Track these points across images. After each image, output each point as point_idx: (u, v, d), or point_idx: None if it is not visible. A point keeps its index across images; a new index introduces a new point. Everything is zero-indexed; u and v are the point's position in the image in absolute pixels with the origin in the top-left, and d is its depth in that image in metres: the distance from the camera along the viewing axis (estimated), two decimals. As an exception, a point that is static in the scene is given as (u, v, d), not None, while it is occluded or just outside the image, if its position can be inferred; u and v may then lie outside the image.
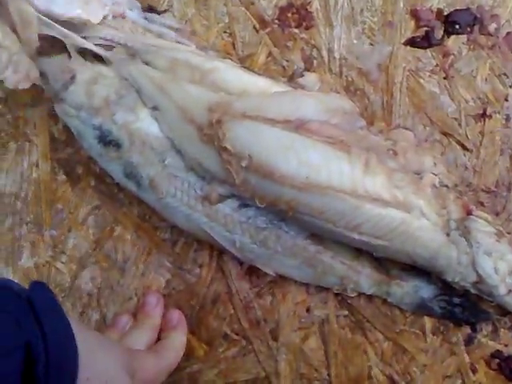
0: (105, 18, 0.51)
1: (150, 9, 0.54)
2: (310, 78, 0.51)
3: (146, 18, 0.53)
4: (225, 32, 0.53)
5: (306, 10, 0.53)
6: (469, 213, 0.48)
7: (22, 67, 0.51)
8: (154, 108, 0.48)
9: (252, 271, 0.51)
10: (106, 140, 0.49)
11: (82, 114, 0.50)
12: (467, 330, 0.50)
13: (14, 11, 0.50)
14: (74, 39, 0.50)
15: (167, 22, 0.53)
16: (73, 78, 0.50)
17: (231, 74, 0.49)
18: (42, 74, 0.52)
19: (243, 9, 0.54)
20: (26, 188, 0.53)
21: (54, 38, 0.51)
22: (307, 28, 0.53)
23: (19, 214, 0.52)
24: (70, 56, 0.51)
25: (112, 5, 0.51)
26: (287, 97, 0.47)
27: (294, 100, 0.46)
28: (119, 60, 0.50)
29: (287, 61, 0.52)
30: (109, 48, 0.51)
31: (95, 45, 0.51)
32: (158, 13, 0.55)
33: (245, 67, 0.51)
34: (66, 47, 0.52)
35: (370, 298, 0.50)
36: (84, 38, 0.50)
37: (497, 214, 0.50)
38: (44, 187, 0.53)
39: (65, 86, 0.50)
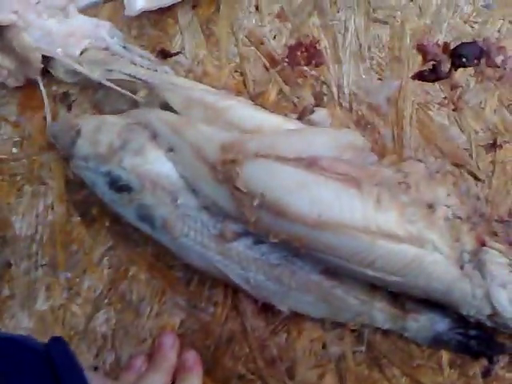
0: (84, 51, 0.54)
1: (163, 52, 0.56)
2: (321, 114, 0.52)
3: (124, 47, 0.54)
4: (236, 71, 0.54)
5: (315, 48, 0.54)
6: (482, 244, 0.47)
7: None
8: (169, 149, 0.49)
9: (267, 308, 0.50)
10: (117, 185, 0.50)
11: (91, 164, 0.51)
12: (484, 362, 0.49)
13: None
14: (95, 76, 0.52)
15: (143, 53, 0.55)
16: (78, 132, 0.52)
17: (244, 112, 0.50)
18: (53, 137, 0.54)
19: (253, 48, 0.55)
20: (41, 231, 0.54)
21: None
22: (317, 65, 0.54)
23: (34, 256, 0.53)
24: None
25: (94, 39, 0.54)
26: (299, 134, 0.48)
27: (305, 137, 0.47)
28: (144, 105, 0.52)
29: (298, 98, 0.53)
30: (123, 82, 0.53)
31: (116, 80, 0.53)
32: (171, 55, 0.56)
33: (257, 105, 0.52)
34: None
35: (386, 333, 0.50)
36: (109, 71, 0.53)
37: (510, 244, 0.49)
38: (59, 229, 0.54)
39: (73, 142, 0.51)
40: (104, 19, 0.56)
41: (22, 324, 0.53)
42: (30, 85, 0.57)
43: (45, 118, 0.56)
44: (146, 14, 0.57)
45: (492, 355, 0.49)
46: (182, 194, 0.49)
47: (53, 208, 0.55)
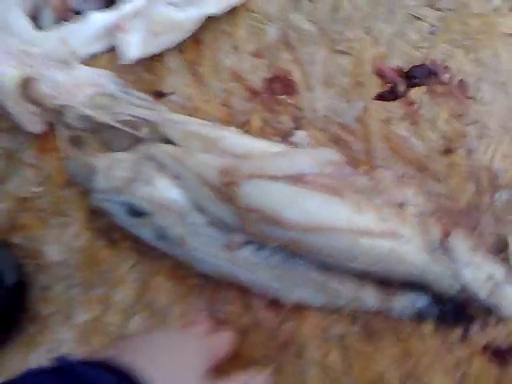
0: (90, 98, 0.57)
1: (157, 93, 0.59)
2: (300, 135, 0.57)
3: (124, 92, 0.58)
4: (223, 105, 0.58)
5: (289, 79, 0.58)
6: (447, 233, 0.53)
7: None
8: (175, 177, 0.53)
9: (274, 303, 0.55)
10: (134, 212, 0.54)
11: (109, 196, 0.55)
12: (460, 330, 0.54)
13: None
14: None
15: (141, 95, 0.58)
16: (94, 169, 0.56)
17: (235, 140, 0.55)
18: (72, 175, 0.58)
19: (236, 84, 0.59)
20: (71, 256, 0.58)
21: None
22: (292, 94, 0.58)
23: (68, 278, 0.57)
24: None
25: (97, 87, 0.57)
26: (284, 156, 0.53)
27: (290, 158, 0.52)
28: (148, 140, 0.56)
29: (279, 123, 0.58)
30: (127, 122, 0.57)
31: (120, 121, 0.57)
32: (165, 95, 0.59)
33: (244, 132, 0.56)
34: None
35: (377, 313, 0.54)
36: (114, 113, 0.57)
37: (472, 231, 0.54)
38: (87, 253, 0.58)
39: (90, 179, 0.55)
40: (102, 68, 0.59)
41: (64, 336, 0.57)
42: (45, 130, 0.60)
43: (61, 159, 0.59)
44: (139, 61, 0.60)
45: (466, 323, 0.54)
46: (190, 214, 0.53)
47: (79, 235, 0.58)
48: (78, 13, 0.61)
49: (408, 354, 0.54)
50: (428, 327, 0.55)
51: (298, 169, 0.51)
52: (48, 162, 0.60)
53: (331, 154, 0.54)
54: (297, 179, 0.50)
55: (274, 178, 0.50)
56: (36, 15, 0.61)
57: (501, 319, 0.53)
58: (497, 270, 0.52)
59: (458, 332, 0.55)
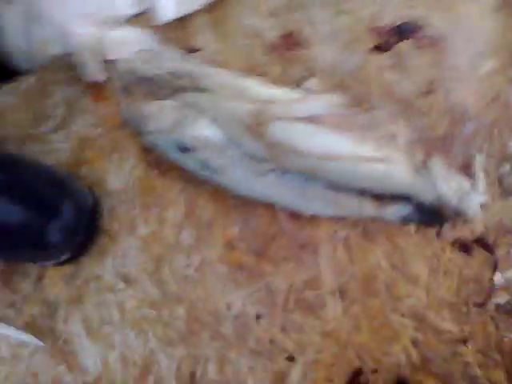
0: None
1: (191, 49, 0.65)
2: (312, 82, 0.63)
3: (163, 48, 0.64)
4: (246, 58, 0.65)
5: (301, 35, 0.64)
6: (428, 156, 0.59)
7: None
8: (214, 119, 0.59)
9: (296, 214, 0.62)
10: (182, 148, 0.60)
11: (161, 136, 0.61)
12: (436, 228, 0.61)
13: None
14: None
15: (177, 51, 0.63)
16: (146, 116, 0.62)
17: (259, 88, 0.61)
18: (127, 120, 0.64)
19: (257, 40, 0.65)
20: (130, 182, 0.65)
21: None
22: (304, 47, 0.64)
23: (129, 201, 0.65)
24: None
25: (141, 44, 0.64)
26: (302, 101, 0.59)
27: (306, 102, 0.59)
28: (187, 89, 0.62)
29: (294, 72, 0.64)
30: (170, 74, 0.62)
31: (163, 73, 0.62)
32: (196, 51, 0.65)
33: (266, 81, 0.61)
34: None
35: (374, 219, 0.61)
36: (157, 66, 0.62)
37: (446, 154, 0.61)
38: (143, 181, 0.65)
39: (144, 122, 0.61)
40: (143, 27, 0.65)
41: (129, 245, 0.64)
42: (95, 82, 0.66)
43: (114, 105, 0.66)
44: (173, 22, 0.65)
45: (441, 223, 0.61)
46: (228, 149, 0.59)
47: (135, 167, 0.65)
48: None
49: (396, 248, 0.61)
50: (411, 227, 0.62)
51: (314, 111, 0.58)
52: (103, 108, 0.66)
53: (338, 98, 0.60)
54: (312, 119, 0.58)
55: (295, 118, 0.57)
56: None
57: (466, 220, 0.61)
58: (464, 183, 0.59)
59: (434, 230, 0.62)
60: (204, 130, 0.60)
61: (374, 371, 0.61)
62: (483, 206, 0.60)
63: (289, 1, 0.66)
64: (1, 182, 0.58)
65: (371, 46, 0.64)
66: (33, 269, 0.66)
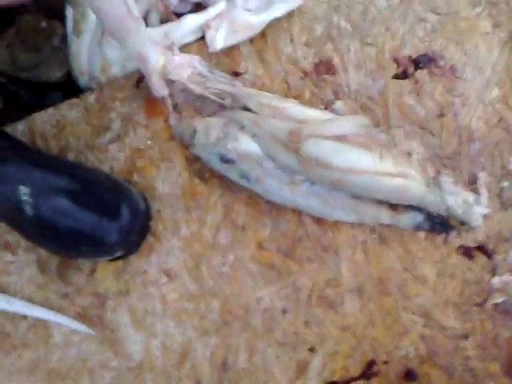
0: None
1: (234, 73, 0.69)
2: (339, 105, 0.67)
3: (210, 71, 0.66)
4: (283, 82, 0.69)
5: (331, 63, 0.68)
6: (438, 172, 0.63)
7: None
8: (254, 135, 0.64)
9: (320, 220, 0.66)
10: (225, 160, 0.65)
11: (207, 148, 0.66)
12: (443, 235, 0.65)
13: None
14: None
15: (222, 74, 0.66)
16: (195, 130, 0.66)
17: (296, 109, 0.65)
18: (177, 133, 0.69)
19: (292, 66, 0.68)
20: (176, 189, 0.69)
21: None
22: (333, 74, 0.68)
23: (175, 205, 0.69)
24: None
25: (192, 67, 0.66)
26: (332, 121, 0.63)
27: (336, 123, 0.63)
28: (230, 108, 0.67)
29: (323, 95, 0.68)
30: (214, 94, 0.67)
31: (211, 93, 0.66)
32: (240, 75, 0.69)
33: (300, 103, 0.65)
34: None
35: (389, 225, 0.65)
36: (205, 87, 0.65)
37: (454, 170, 0.65)
38: (187, 187, 0.69)
39: (192, 137, 0.67)
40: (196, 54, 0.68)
41: (173, 245, 0.69)
42: (150, 99, 0.70)
43: (165, 121, 0.70)
44: (221, 50, 0.69)
45: (447, 231, 0.65)
46: (265, 161, 0.64)
47: (181, 175, 0.69)
48: (178, 15, 0.73)
49: (408, 252, 0.65)
50: (422, 234, 0.66)
51: (342, 131, 0.62)
52: (155, 123, 0.71)
53: (362, 118, 0.64)
54: (341, 138, 0.62)
55: (326, 137, 0.62)
56: (146, 17, 0.73)
57: (470, 229, 0.65)
58: (469, 197, 0.63)
59: (442, 237, 0.66)
60: (244, 145, 0.65)
61: (385, 362, 0.68)
62: (485, 217, 0.64)
63: (321, 33, 0.69)
64: (69, 188, 0.65)
65: (392, 74, 0.68)
66: (85, 264, 0.72)
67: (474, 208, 0.63)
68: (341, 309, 0.67)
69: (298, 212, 0.68)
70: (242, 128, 0.66)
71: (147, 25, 0.71)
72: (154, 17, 0.72)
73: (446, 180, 0.63)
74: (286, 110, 0.65)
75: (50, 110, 0.73)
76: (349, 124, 0.64)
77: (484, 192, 0.64)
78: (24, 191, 0.61)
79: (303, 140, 0.62)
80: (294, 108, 0.65)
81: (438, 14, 0.68)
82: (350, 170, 0.62)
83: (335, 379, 0.69)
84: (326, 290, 0.67)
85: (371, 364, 0.68)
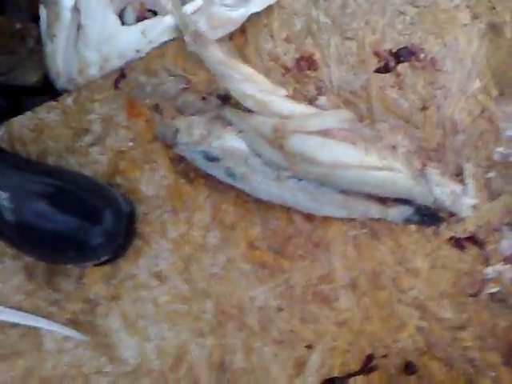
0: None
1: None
2: (322, 100, 0.68)
3: None
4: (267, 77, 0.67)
5: (312, 59, 0.68)
6: (424, 164, 0.64)
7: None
8: (239, 132, 0.64)
9: (309, 216, 0.66)
10: (210, 158, 0.65)
11: (190, 147, 0.65)
12: (433, 228, 0.66)
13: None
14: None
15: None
16: (177, 129, 0.66)
17: (280, 103, 0.65)
18: (160, 134, 0.69)
19: (273, 63, 0.69)
20: (161, 191, 0.69)
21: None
22: (315, 69, 0.68)
23: (161, 207, 0.68)
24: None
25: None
26: (316, 116, 0.64)
27: (320, 117, 0.64)
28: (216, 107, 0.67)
29: (306, 91, 0.68)
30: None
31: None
32: None
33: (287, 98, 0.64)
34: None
35: (379, 219, 0.66)
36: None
37: (440, 162, 0.66)
38: (172, 188, 0.69)
39: (175, 136, 0.66)
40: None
41: (161, 247, 0.68)
42: (131, 99, 0.70)
43: (146, 121, 0.69)
44: None
45: (437, 223, 0.66)
46: (250, 158, 0.64)
47: (166, 176, 0.68)
48: (153, 12, 0.72)
49: (399, 246, 0.67)
50: (412, 227, 0.67)
51: (326, 125, 0.63)
52: (136, 124, 0.70)
53: (345, 113, 0.65)
54: (325, 133, 0.63)
55: (310, 132, 0.63)
56: (121, 15, 0.72)
57: (459, 219, 0.66)
58: (456, 188, 0.64)
59: (432, 229, 0.67)
60: (229, 141, 0.65)
61: (384, 356, 0.69)
62: (473, 208, 0.66)
63: (301, 28, 0.69)
64: (49, 192, 0.63)
65: (374, 68, 0.69)
66: (73, 269, 0.71)
67: (461, 199, 0.64)
68: (336, 304, 0.68)
69: (287, 209, 0.67)
70: (228, 125, 0.66)
71: (123, 23, 0.70)
72: (130, 14, 0.72)
73: (433, 172, 0.64)
74: (270, 104, 0.65)
75: (28, 114, 0.72)
76: (333, 119, 0.64)
77: (471, 182, 0.65)
78: (3, 196, 0.60)
79: (288, 135, 0.63)
80: (277, 103, 0.66)
81: (417, 7, 0.69)
82: (335, 164, 0.63)
83: (334, 375, 0.69)
84: (320, 286, 0.68)
85: (370, 358, 0.69)
